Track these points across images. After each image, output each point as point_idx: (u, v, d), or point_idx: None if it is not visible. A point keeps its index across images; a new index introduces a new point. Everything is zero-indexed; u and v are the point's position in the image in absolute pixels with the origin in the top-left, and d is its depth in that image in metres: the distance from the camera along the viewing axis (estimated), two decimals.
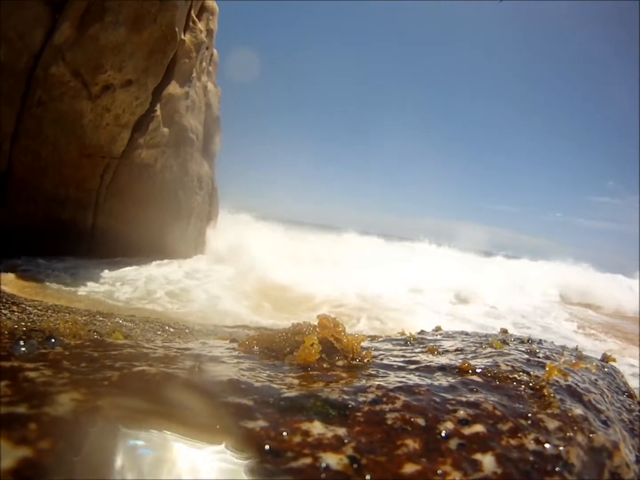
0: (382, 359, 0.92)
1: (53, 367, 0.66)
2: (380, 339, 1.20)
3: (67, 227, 9.47)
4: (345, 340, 0.89)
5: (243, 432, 0.57)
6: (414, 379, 0.78)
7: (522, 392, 0.75)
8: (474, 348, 1.02)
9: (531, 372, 0.83)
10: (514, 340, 1.15)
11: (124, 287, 8.09)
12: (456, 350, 1.02)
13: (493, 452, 0.58)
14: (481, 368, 0.84)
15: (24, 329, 0.84)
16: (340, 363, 0.86)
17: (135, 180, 10.13)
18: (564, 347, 1.17)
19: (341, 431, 0.59)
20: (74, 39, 8.71)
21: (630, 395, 1.01)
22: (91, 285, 7.89)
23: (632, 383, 1.16)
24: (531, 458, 0.59)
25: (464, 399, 0.70)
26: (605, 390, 0.91)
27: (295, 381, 0.75)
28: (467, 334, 1.24)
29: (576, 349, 1.20)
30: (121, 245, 9.91)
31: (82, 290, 7.50)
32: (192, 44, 10.86)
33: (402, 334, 1.22)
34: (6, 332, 0.79)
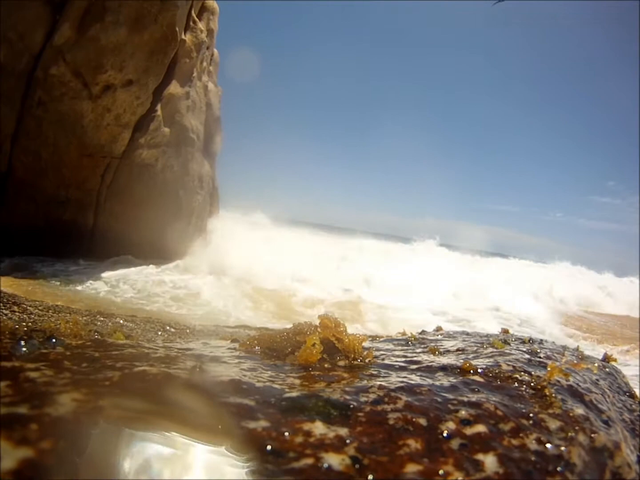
0: (383, 359, 0.92)
1: (54, 367, 0.65)
2: (381, 339, 1.19)
3: (67, 228, 9.49)
4: (346, 340, 0.89)
5: (244, 433, 0.57)
6: (415, 379, 0.78)
7: (524, 392, 0.75)
8: (475, 348, 1.02)
9: (532, 372, 0.83)
10: (515, 340, 1.15)
11: (124, 288, 8.11)
12: (457, 350, 1.02)
13: (495, 452, 0.58)
14: (482, 368, 0.84)
15: (25, 329, 0.84)
16: (341, 363, 0.86)
17: (136, 180, 10.14)
18: (565, 348, 1.17)
19: (343, 431, 0.59)
20: (75, 39, 8.72)
21: (632, 396, 1.01)
22: (92, 286, 7.90)
23: (633, 383, 1.16)
24: (533, 458, 0.59)
25: (465, 399, 0.70)
26: (606, 391, 0.90)
27: (297, 381, 0.75)
28: (468, 334, 1.24)
29: (577, 349, 1.20)
30: (122, 246, 9.92)
31: (83, 291, 7.51)
32: (192, 43, 10.86)
33: (403, 334, 1.22)
34: (7, 332, 0.79)
